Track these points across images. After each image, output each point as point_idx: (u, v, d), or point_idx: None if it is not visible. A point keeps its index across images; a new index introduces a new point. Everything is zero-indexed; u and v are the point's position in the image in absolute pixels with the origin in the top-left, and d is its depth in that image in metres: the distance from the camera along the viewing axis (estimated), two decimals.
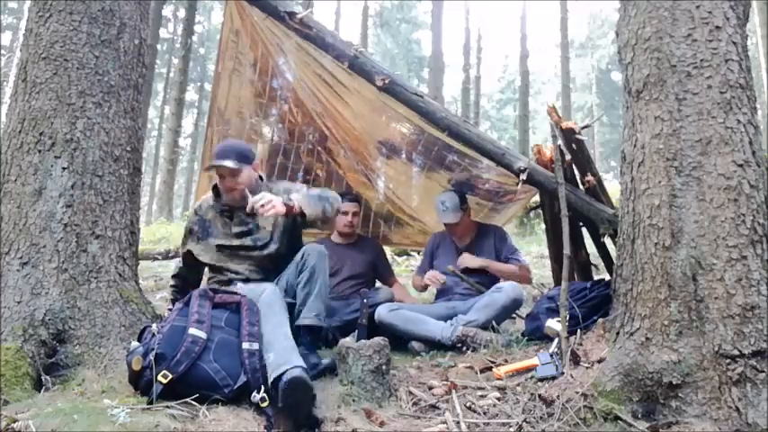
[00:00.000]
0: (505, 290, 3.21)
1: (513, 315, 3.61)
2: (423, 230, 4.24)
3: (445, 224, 3.57)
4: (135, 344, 2.05)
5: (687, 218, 2.10)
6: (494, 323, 3.11)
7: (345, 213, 3.65)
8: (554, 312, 2.89)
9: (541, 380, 2.33)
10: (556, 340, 2.59)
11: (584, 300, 2.76)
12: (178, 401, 1.93)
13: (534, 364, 2.44)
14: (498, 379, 2.46)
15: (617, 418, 2.00)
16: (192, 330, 2.05)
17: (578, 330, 2.59)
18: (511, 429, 1.98)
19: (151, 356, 1.99)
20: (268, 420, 1.94)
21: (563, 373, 2.30)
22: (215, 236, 2.78)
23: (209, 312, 2.12)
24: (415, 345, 3.17)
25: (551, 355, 2.43)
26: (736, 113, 2.12)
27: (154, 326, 2.15)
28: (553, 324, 2.79)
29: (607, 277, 3.24)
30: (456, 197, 3.54)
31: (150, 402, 1.93)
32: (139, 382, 1.97)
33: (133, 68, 2.82)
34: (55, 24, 2.64)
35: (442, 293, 3.60)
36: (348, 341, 2.38)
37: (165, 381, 1.94)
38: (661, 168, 2.18)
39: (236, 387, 2.02)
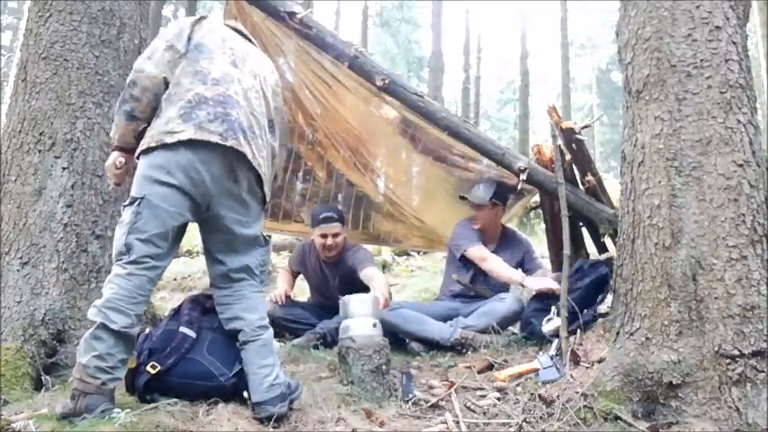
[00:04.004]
0: (508, 301, 3.21)
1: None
2: (423, 230, 4.23)
3: (471, 205, 3.47)
4: None
5: (687, 218, 2.10)
6: (494, 324, 3.11)
7: (324, 236, 3.35)
8: (543, 312, 2.90)
9: (543, 383, 2.32)
10: (555, 341, 2.59)
11: (577, 282, 2.80)
12: (178, 401, 1.93)
13: (535, 367, 2.43)
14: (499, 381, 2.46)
15: (617, 418, 2.00)
16: (182, 329, 2.08)
17: (578, 330, 2.58)
18: (511, 429, 1.98)
19: (145, 354, 2.01)
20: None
21: (564, 374, 2.30)
22: None
23: (199, 316, 2.14)
24: (415, 345, 3.17)
25: (552, 358, 2.43)
26: (736, 113, 2.12)
27: (148, 329, 2.16)
28: (548, 326, 2.78)
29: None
30: (493, 188, 3.47)
31: (140, 393, 1.95)
32: (135, 381, 1.98)
33: None
34: (55, 24, 2.65)
35: (447, 293, 3.59)
36: (348, 341, 2.37)
37: (153, 371, 1.96)
38: (661, 168, 2.18)
39: (232, 374, 2.03)
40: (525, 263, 3.63)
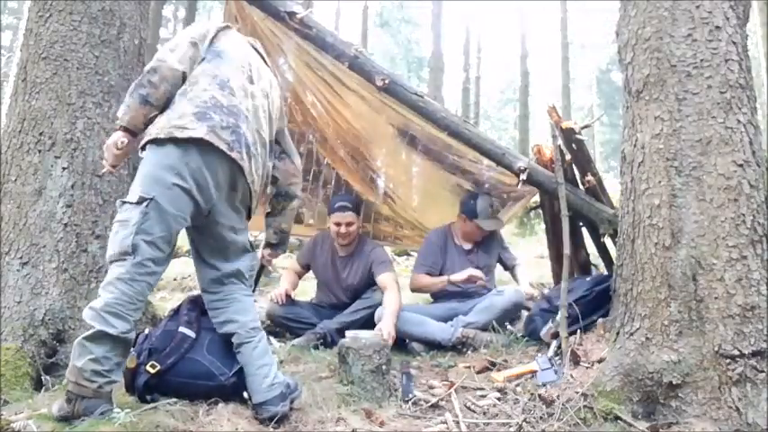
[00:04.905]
0: (507, 294, 3.21)
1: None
2: (423, 230, 4.23)
3: (478, 225, 3.47)
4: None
5: (687, 218, 2.10)
6: (494, 323, 3.11)
7: (338, 225, 3.40)
8: (549, 313, 2.89)
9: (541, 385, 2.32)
10: (554, 342, 2.59)
11: (582, 297, 2.74)
12: (178, 401, 1.93)
13: (533, 369, 2.43)
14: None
15: (617, 418, 2.01)
16: (181, 329, 2.08)
17: (578, 330, 2.58)
18: (511, 429, 1.98)
19: (145, 354, 2.00)
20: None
21: (561, 377, 2.29)
22: None
23: (198, 316, 2.14)
24: (415, 345, 3.17)
25: (550, 360, 2.42)
26: (736, 113, 2.12)
27: (147, 330, 2.16)
28: (546, 332, 2.78)
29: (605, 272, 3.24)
30: (492, 202, 3.52)
31: (139, 393, 1.94)
32: (135, 381, 1.97)
33: (133, 68, 2.82)
34: (55, 24, 2.65)
35: (442, 294, 3.59)
36: (348, 341, 2.36)
37: (153, 371, 1.95)
38: (661, 168, 2.18)
39: (231, 374, 2.03)
40: (503, 258, 3.69)
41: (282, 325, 3.48)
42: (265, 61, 2.36)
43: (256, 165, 2.08)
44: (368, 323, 3.22)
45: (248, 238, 2.14)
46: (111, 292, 1.79)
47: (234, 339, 2.04)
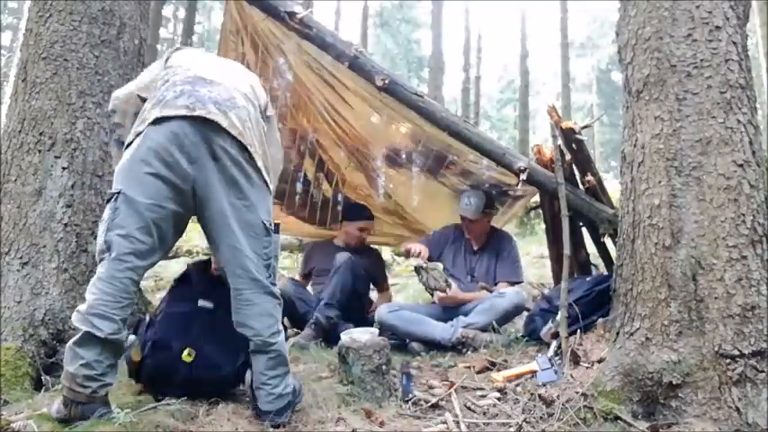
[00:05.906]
0: (508, 295, 3.21)
1: None
2: (423, 231, 4.23)
3: (462, 217, 3.51)
4: (132, 337, 1.99)
5: (687, 218, 2.10)
6: (494, 323, 3.11)
7: (362, 230, 3.79)
8: (549, 313, 2.89)
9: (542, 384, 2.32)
10: (554, 342, 2.59)
11: (582, 297, 2.74)
12: (179, 401, 1.93)
13: (533, 369, 2.43)
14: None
15: (617, 418, 2.00)
16: (201, 303, 2.05)
17: (578, 330, 2.58)
18: (511, 429, 1.98)
19: (149, 345, 1.98)
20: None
21: (562, 377, 2.29)
22: None
23: (213, 287, 2.09)
24: (415, 345, 3.17)
25: (550, 360, 2.42)
26: (736, 113, 2.12)
27: (147, 317, 2.12)
28: (546, 332, 2.77)
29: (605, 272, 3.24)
30: (485, 198, 3.51)
31: (153, 388, 1.94)
32: (141, 372, 1.96)
33: (133, 68, 2.82)
34: (55, 24, 2.65)
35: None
36: (348, 341, 2.36)
37: (190, 359, 1.91)
38: (661, 168, 2.18)
39: (238, 365, 2.03)
40: (498, 260, 3.59)
41: (292, 305, 3.43)
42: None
43: (240, 116, 1.91)
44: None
45: (264, 218, 1.92)
46: (93, 294, 1.74)
47: (250, 344, 1.94)
